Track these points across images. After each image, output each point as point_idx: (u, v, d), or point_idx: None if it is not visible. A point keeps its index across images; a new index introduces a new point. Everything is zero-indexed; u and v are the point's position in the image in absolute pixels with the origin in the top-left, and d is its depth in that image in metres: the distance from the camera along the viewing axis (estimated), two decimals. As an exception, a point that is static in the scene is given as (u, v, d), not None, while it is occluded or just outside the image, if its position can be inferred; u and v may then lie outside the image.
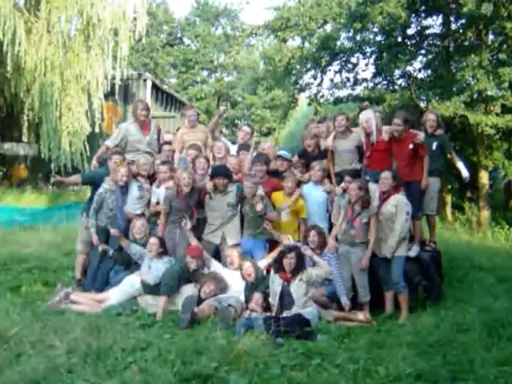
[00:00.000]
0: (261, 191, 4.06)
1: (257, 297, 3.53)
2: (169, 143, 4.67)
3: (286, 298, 3.45)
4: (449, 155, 4.53)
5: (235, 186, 4.11)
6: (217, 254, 4.11)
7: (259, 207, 3.89)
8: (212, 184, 4.05)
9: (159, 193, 4.20)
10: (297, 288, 3.44)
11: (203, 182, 4.15)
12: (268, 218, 3.98)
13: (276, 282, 3.52)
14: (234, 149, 4.76)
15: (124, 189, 4.12)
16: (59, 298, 3.70)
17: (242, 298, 3.72)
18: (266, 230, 3.98)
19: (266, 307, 3.53)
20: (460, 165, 4.46)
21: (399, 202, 3.72)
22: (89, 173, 4.96)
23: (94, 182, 4.33)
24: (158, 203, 4.19)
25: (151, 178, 4.30)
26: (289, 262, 3.47)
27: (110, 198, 4.10)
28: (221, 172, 4.08)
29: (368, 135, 4.24)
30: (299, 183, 4.25)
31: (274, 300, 3.51)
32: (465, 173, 4.41)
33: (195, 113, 4.77)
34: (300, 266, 3.49)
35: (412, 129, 4.28)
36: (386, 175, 3.80)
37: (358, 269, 3.74)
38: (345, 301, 3.69)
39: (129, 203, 4.13)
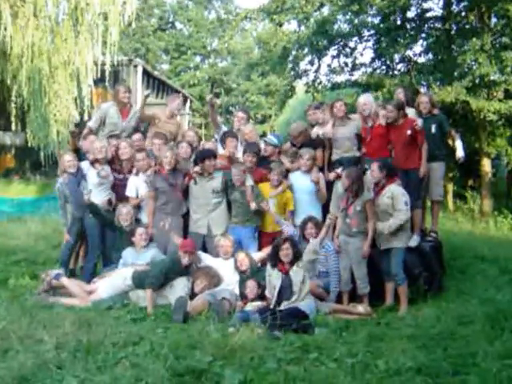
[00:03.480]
0: (251, 181, 3.97)
1: (250, 285, 3.47)
2: (139, 132, 4.57)
3: (285, 290, 3.37)
4: (448, 133, 4.44)
5: (221, 173, 4.01)
6: (204, 245, 4.02)
7: (253, 206, 3.85)
8: (199, 168, 3.95)
9: (137, 183, 4.08)
10: (295, 275, 3.37)
11: (186, 167, 4.07)
12: (260, 209, 3.91)
13: (274, 276, 3.43)
14: None
15: (78, 176, 4.03)
16: (47, 284, 3.62)
17: (236, 289, 3.66)
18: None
19: (261, 296, 3.47)
20: (458, 143, 4.39)
21: (394, 194, 3.63)
22: None
23: None
24: (137, 197, 4.10)
25: (110, 162, 4.20)
26: (285, 253, 3.40)
27: (67, 189, 4.04)
28: (208, 153, 3.98)
29: (366, 120, 4.16)
30: (287, 172, 4.15)
31: (271, 293, 3.44)
32: (460, 152, 4.34)
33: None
34: (297, 254, 3.42)
35: (409, 106, 4.22)
36: (372, 167, 3.72)
37: (357, 259, 3.66)
38: (332, 297, 3.64)
39: (93, 193, 4.00)
